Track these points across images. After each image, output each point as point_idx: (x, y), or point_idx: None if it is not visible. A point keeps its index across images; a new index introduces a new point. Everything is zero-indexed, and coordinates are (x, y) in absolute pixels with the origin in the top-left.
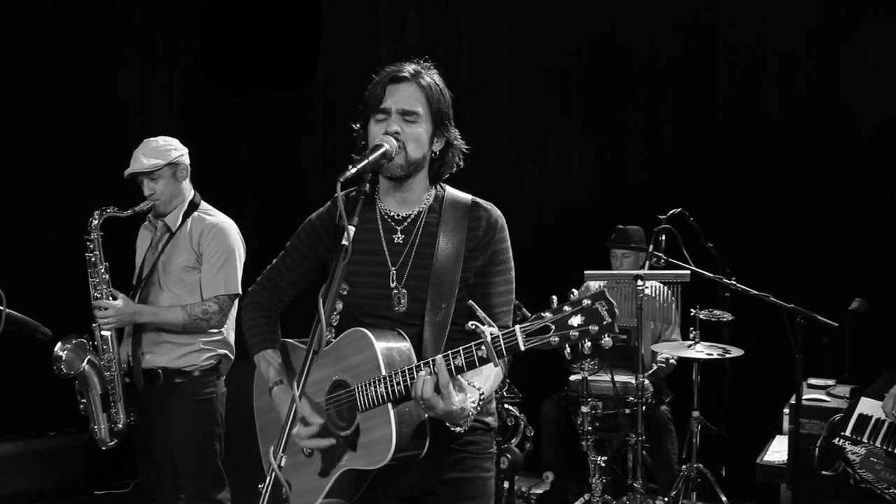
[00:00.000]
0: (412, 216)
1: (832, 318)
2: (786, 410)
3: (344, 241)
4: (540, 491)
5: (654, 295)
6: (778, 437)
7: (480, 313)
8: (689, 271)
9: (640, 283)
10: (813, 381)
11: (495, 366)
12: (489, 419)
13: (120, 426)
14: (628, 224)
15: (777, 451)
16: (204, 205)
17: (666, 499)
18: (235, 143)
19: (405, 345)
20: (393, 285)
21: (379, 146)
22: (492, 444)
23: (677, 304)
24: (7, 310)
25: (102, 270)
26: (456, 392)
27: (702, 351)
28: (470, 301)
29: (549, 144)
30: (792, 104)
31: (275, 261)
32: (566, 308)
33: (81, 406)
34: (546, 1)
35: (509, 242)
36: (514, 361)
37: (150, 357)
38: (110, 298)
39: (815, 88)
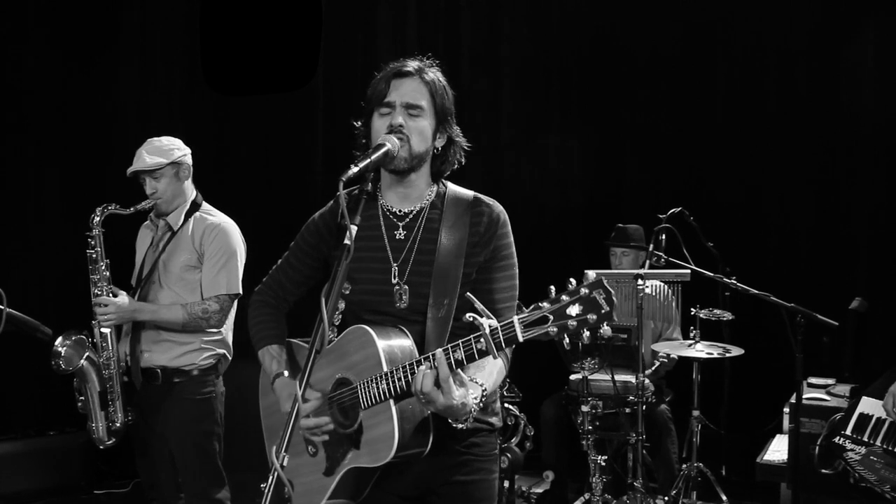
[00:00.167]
0: (414, 212)
1: (832, 317)
2: (786, 409)
3: (346, 241)
4: (540, 490)
5: (654, 294)
6: (778, 436)
7: (479, 305)
8: (689, 270)
9: (640, 282)
10: (813, 380)
11: (494, 357)
12: (493, 419)
13: (118, 425)
14: (628, 223)
15: (777, 450)
16: (206, 205)
17: (666, 498)
18: (235, 143)
19: (407, 342)
20: (395, 281)
21: (381, 145)
22: (496, 444)
23: (677, 304)
24: (7, 309)
25: (103, 267)
26: (457, 387)
27: (702, 350)
28: (468, 293)
29: (549, 144)
30: (792, 104)
31: (280, 261)
32: (564, 298)
33: (79, 404)
34: (546, 1)
35: (512, 238)
36: (515, 361)
37: (148, 355)
38: (110, 295)
39: (815, 88)
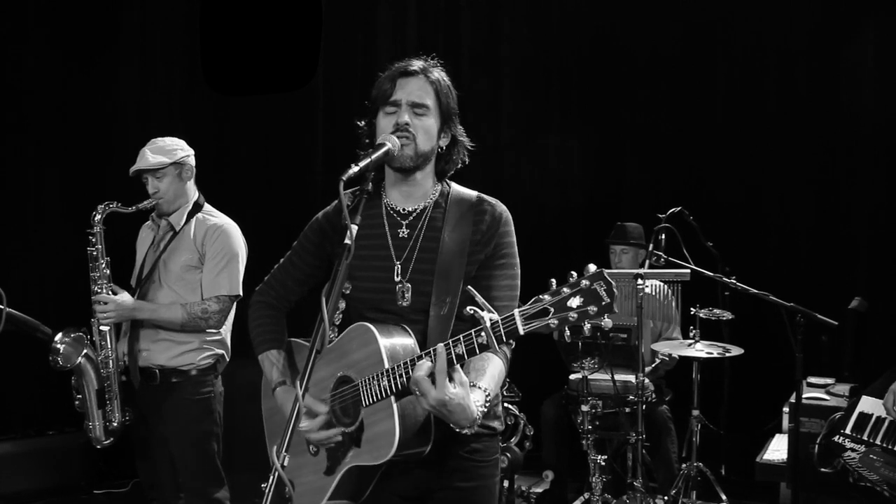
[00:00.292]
0: (417, 211)
1: (832, 317)
2: (785, 409)
3: (346, 240)
4: (540, 490)
5: (654, 294)
6: (777, 435)
7: (480, 299)
8: (689, 270)
9: (640, 281)
10: (812, 379)
11: (495, 352)
12: (495, 423)
13: (114, 425)
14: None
15: (777, 449)
16: (207, 206)
17: (666, 497)
18: (235, 143)
19: (409, 340)
20: (397, 279)
21: (382, 144)
22: (498, 449)
23: (677, 303)
24: (7, 309)
25: (103, 265)
26: (453, 386)
27: (702, 350)
28: (468, 286)
29: (549, 144)
30: (792, 104)
31: (282, 260)
32: (565, 290)
33: (77, 402)
34: (546, 1)
35: (514, 238)
36: (514, 360)
37: (147, 354)
38: (110, 293)
39: (815, 88)
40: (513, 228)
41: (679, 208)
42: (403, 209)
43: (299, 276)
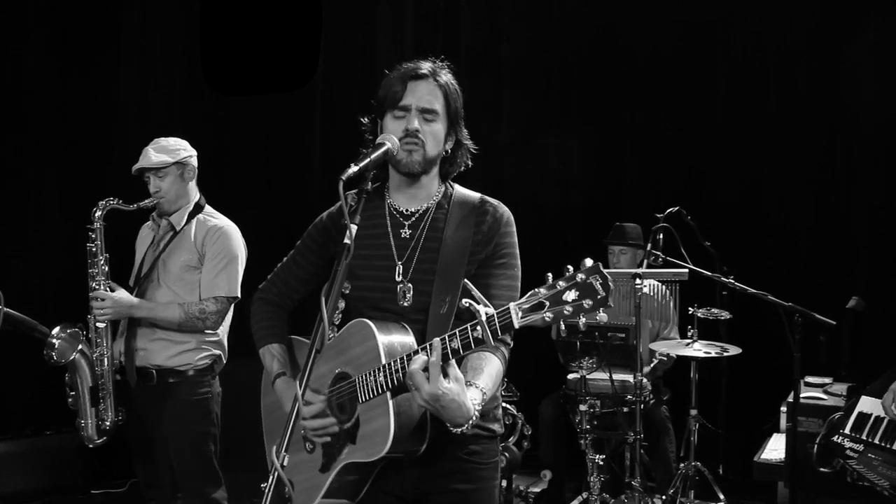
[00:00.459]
0: (420, 212)
1: (831, 317)
2: (783, 408)
3: (346, 240)
4: (538, 489)
5: (652, 293)
6: (775, 435)
7: (476, 293)
8: (687, 270)
9: (638, 281)
10: (810, 379)
11: (492, 350)
12: (495, 426)
13: (107, 424)
14: (626, 222)
15: (774, 449)
16: (208, 208)
17: (664, 497)
18: (235, 143)
19: (408, 338)
20: (399, 279)
21: (381, 144)
22: (497, 451)
23: (675, 303)
24: (5, 308)
25: (102, 262)
26: (448, 381)
27: (700, 349)
28: (465, 280)
29: (549, 144)
30: (792, 104)
31: (285, 259)
32: (560, 284)
33: (70, 399)
34: (546, 1)
35: (516, 239)
36: (512, 359)
37: (144, 354)
38: (108, 290)
39: (815, 88)
40: (514, 230)
41: (677, 208)
42: (406, 210)
43: (302, 274)
